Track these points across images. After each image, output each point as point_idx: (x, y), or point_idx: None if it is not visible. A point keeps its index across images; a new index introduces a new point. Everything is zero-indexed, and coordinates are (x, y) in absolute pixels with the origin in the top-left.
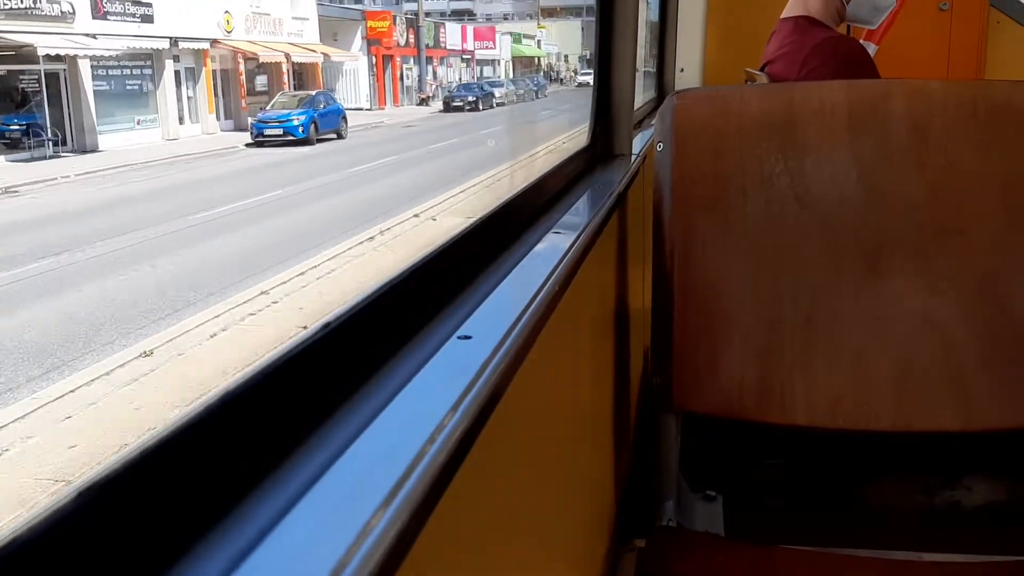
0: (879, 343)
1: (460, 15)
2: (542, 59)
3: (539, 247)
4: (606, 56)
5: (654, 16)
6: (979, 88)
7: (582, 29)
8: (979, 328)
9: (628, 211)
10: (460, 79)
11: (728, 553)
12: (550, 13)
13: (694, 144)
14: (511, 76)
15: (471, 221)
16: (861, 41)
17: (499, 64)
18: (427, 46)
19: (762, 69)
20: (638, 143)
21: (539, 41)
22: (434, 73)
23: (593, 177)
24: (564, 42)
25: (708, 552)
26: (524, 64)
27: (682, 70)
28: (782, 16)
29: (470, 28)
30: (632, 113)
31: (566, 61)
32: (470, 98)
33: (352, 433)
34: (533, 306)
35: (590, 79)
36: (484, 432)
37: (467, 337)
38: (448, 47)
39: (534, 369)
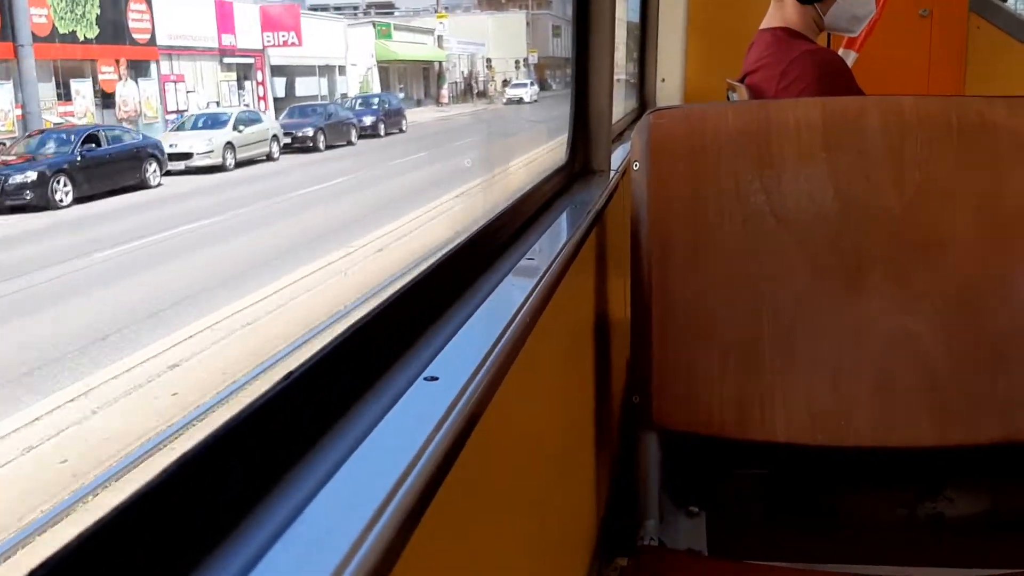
0: (857, 358)
1: (382, 7)
2: (443, 64)
3: (512, 276)
4: (583, 71)
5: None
6: (953, 104)
7: (528, 24)
8: (956, 343)
9: (607, 229)
10: (216, 104)
11: (711, 571)
12: (495, 5)
13: (670, 162)
14: (366, 92)
15: (442, 252)
16: (841, 50)
17: (347, 72)
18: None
19: (741, 80)
20: (618, 157)
21: (439, 38)
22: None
23: (571, 195)
24: (502, 41)
25: (691, 570)
26: (412, 72)
27: (663, 80)
28: (761, 27)
29: (247, 8)
30: (610, 129)
31: (490, 67)
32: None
33: (319, 480)
34: (503, 341)
35: (524, 93)
36: (454, 470)
37: (434, 378)
38: (177, 40)
39: (507, 401)
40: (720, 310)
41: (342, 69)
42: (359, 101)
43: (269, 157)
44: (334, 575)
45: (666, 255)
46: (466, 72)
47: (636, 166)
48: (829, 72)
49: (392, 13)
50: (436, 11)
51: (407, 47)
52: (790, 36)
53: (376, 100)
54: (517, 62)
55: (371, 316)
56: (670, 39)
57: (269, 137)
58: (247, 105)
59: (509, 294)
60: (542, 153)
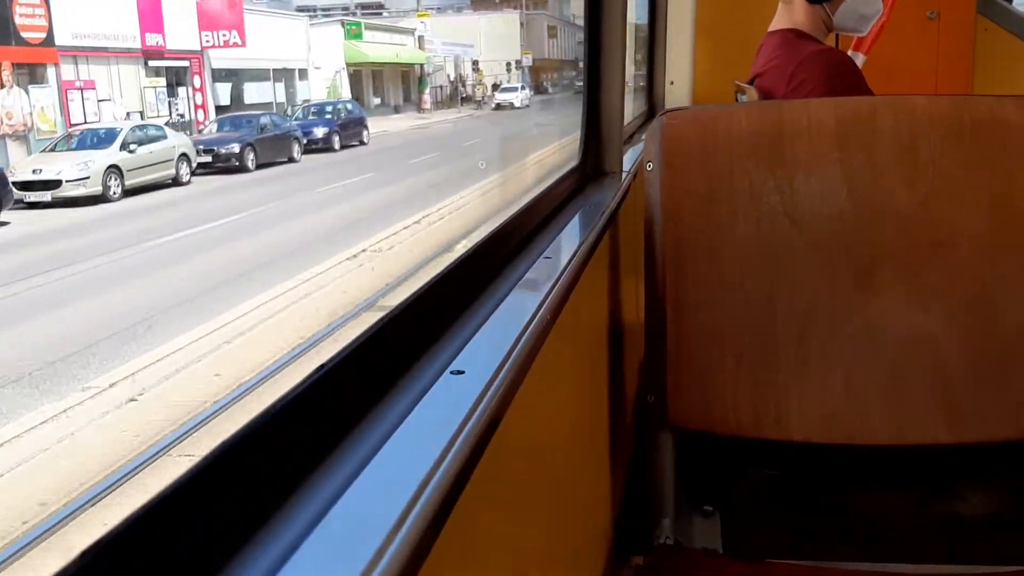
0: (871, 358)
1: (370, 8)
2: (424, 66)
3: (530, 274)
4: (595, 74)
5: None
6: (965, 103)
7: (522, 25)
8: (969, 342)
9: (620, 230)
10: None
11: (726, 569)
12: (488, 5)
13: (683, 163)
14: (335, 98)
15: (462, 252)
16: (849, 52)
17: (309, 76)
18: None
19: (751, 83)
20: (629, 159)
21: (420, 39)
22: None
23: (584, 197)
24: (494, 42)
25: (706, 569)
26: (390, 76)
27: (672, 83)
28: (769, 29)
29: (179, 3)
30: (622, 131)
31: (477, 70)
32: None
33: (351, 472)
34: (525, 336)
35: (515, 98)
36: (481, 464)
37: (460, 372)
38: (86, 40)
39: (528, 398)
40: (734, 310)
41: (303, 73)
42: (311, 109)
43: (176, 181)
44: (369, 566)
45: (679, 255)
46: (453, 76)
47: (649, 167)
48: (839, 73)
49: (381, 14)
50: (419, 10)
51: (382, 48)
52: (799, 37)
53: (330, 108)
54: (509, 64)
55: (397, 312)
56: (678, 42)
57: (176, 157)
58: (181, 115)
59: (529, 291)
60: (523, 171)
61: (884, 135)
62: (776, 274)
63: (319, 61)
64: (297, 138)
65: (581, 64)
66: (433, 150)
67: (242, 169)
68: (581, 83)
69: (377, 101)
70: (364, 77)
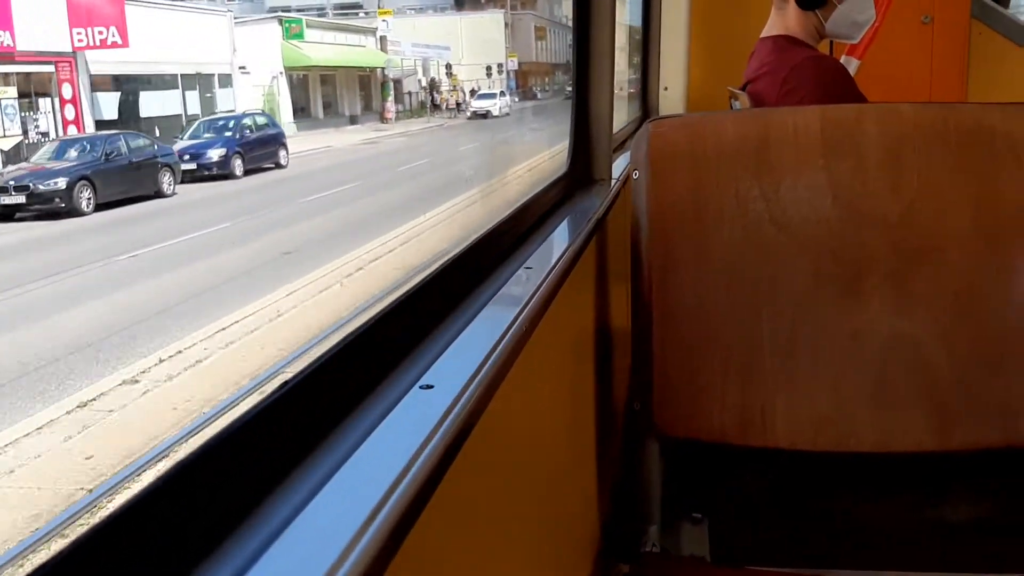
0: (858, 364)
1: (345, 8)
2: (385, 70)
3: (511, 284)
4: (584, 80)
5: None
6: (950, 111)
7: (507, 26)
8: (955, 347)
9: (608, 237)
10: None
11: None
12: (461, 3)
13: (670, 171)
14: (271, 107)
15: (440, 262)
16: (843, 57)
17: (233, 82)
18: None
19: (743, 88)
20: (619, 165)
21: (383, 39)
22: None
23: (572, 204)
24: (476, 44)
25: None
26: (346, 81)
27: (666, 89)
28: (762, 35)
29: None
30: (611, 137)
31: (450, 75)
32: None
33: (314, 485)
34: (500, 347)
35: (492, 105)
36: (447, 478)
37: (429, 386)
38: None
39: (504, 409)
40: (721, 317)
41: (225, 79)
42: (203, 125)
43: None
44: None
45: (666, 263)
46: (425, 81)
47: (636, 174)
48: (831, 79)
49: (358, 14)
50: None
51: (332, 50)
52: (791, 44)
53: (231, 124)
54: (488, 68)
55: (368, 325)
56: (673, 48)
57: None
58: (43, 134)
59: (506, 302)
60: (464, 213)
61: (870, 142)
62: (762, 281)
63: (250, 64)
64: (170, 165)
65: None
66: (356, 179)
67: (72, 212)
68: (571, 88)
69: (334, 110)
70: (312, 83)
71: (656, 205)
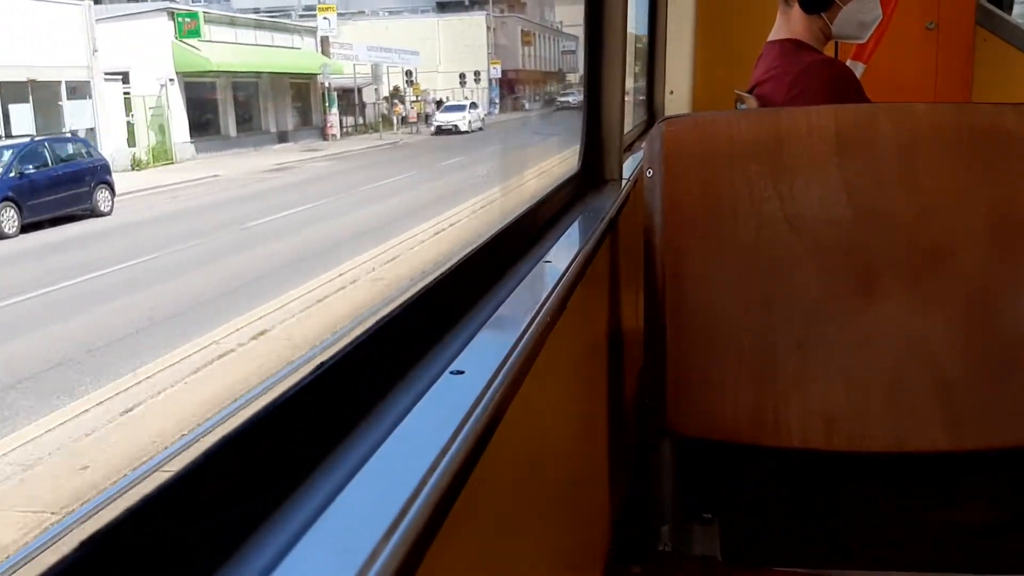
0: (871, 364)
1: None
2: (322, 77)
3: (530, 278)
4: (595, 82)
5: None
6: (964, 111)
7: (490, 29)
8: (968, 348)
9: (620, 236)
10: None
11: None
12: (444, 7)
13: (683, 170)
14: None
15: (462, 254)
16: (849, 61)
17: (93, 92)
18: None
19: (750, 92)
20: (629, 167)
21: (323, 40)
22: None
23: (584, 204)
24: (457, 49)
25: None
26: (275, 90)
27: (672, 92)
28: (768, 39)
29: None
30: (622, 138)
31: (412, 83)
32: None
33: (349, 470)
34: (525, 338)
35: (460, 119)
36: (480, 464)
37: (460, 372)
38: None
39: (528, 400)
40: (733, 316)
41: (81, 87)
42: None
43: None
44: (365, 564)
45: (679, 261)
46: (386, 90)
47: (649, 173)
48: (838, 82)
49: (290, 15)
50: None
51: (247, 52)
52: (798, 48)
53: (4, 156)
54: (462, 76)
55: (398, 311)
56: (679, 52)
57: None
58: None
59: (529, 294)
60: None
61: (884, 142)
62: (776, 280)
63: (136, 69)
64: None
65: (570, 76)
66: (186, 238)
67: None
68: (563, 99)
69: (256, 126)
70: (222, 92)
71: (669, 204)
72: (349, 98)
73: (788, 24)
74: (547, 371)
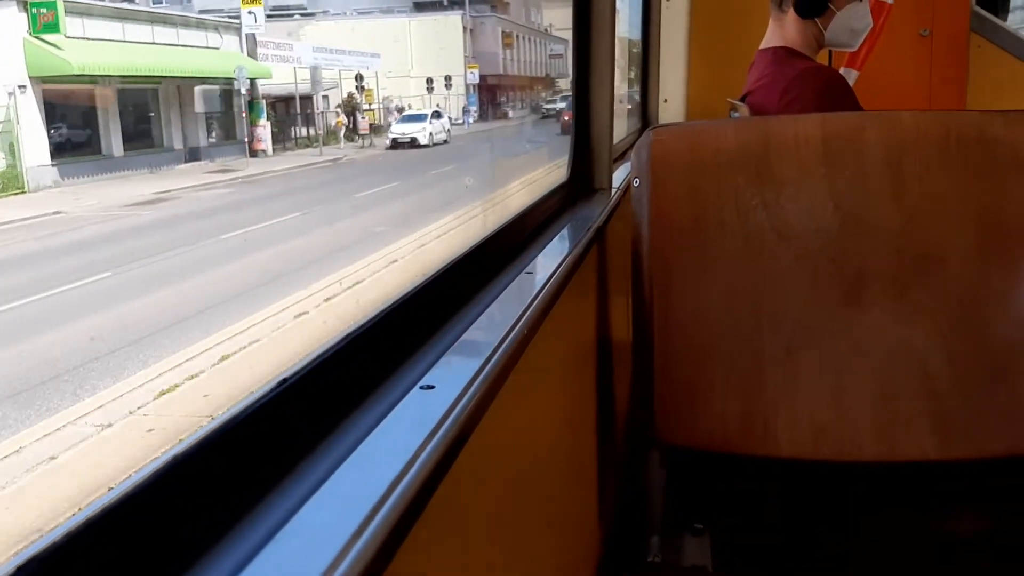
0: (859, 373)
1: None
2: (240, 84)
3: (511, 289)
4: (584, 92)
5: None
6: (951, 119)
7: (467, 30)
8: (957, 356)
9: (608, 246)
10: None
11: None
12: (421, 6)
13: (671, 179)
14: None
15: (441, 265)
16: (842, 68)
17: None
18: None
19: (743, 100)
20: (620, 175)
21: (250, 39)
22: None
23: (572, 213)
24: (430, 52)
25: None
26: (180, 98)
27: (665, 100)
28: (761, 47)
29: None
30: (611, 147)
31: (361, 89)
32: None
33: (312, 485)
34: (500, 350)
35: (420, 131)
36: (447, 478)
37: (430, 387)
38: None
39: (503, 411)
40: (721, 325)
41: None
42: None
43: None
44: None
45: (667, 271)
46: (341, 97)
47: (637, 182)
48: (830, 90)
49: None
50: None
51: (135, 52)
52: (790, 55)
53: None
54: (429, 81)
55: (369, 325)
56: (672, 60)
57: None
58: None
59: (508, 306)
60: None
61: (871, 150)
62: (764, 289)
63: None
64: None
65: (560, 82)
66: None
67: None
68: (550, 105)
69: (156, 141)
70: (102, 101)
71: (657, 213)
72: (289, 106)
73: (781, 31)
74: (527, 382)
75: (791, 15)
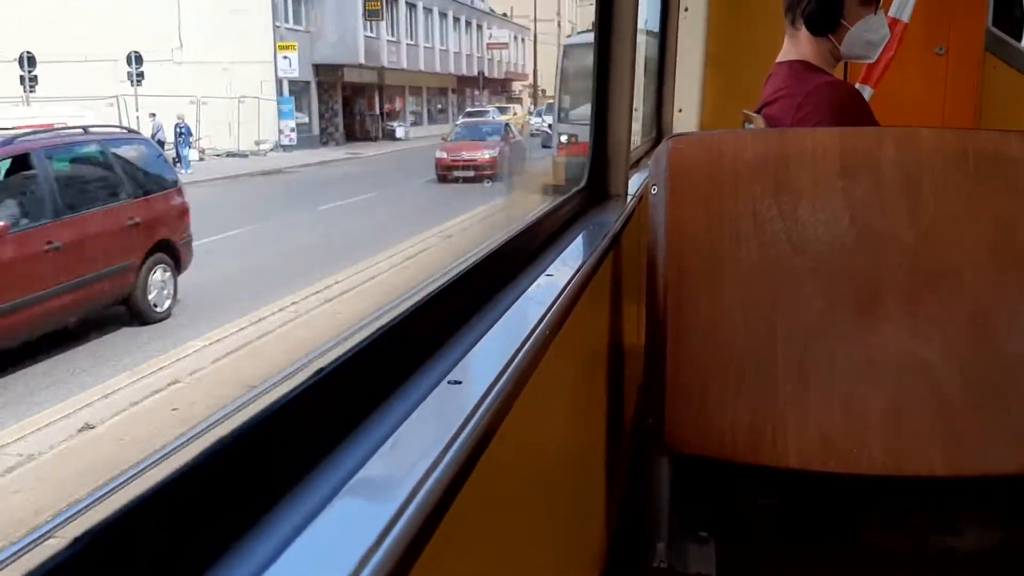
0: (870, 386)
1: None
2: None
3: (532, 290)
4: (603, 99)
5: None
6: (969, 137)
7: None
8: (968, 372)
9: (623, 252)
10: None
11: None
12: None
13: (688, 187)
14: None
15: (464, 265)
16: (857, 84)
17: None
18: None
19: (758, 111)
20: (635, 183)
21: None
22: None
23: (588, 219)
24: (211, 21)
25: None
26: None
27: (680, 111)
28: (778, 60)
29: None
30: (628, 155)
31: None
32: None
33: (343, 476)
34: (524, 350)
35: None
36: (473, 474)
37: (457, 382)
38: None
39: (524, 411)
40: (734, 335)
41: None
42: None
43: None
44: (355, 570)
45: (681, 278)
46: None
47: (654, 190)
48: (846, 104)
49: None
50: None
51: None
52: (807, 69)
53: None
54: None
55: (398, 320)
56: (688, 71)
57: None
58: None
59: (530, 306)
60: None
61: (888, 165)
62: (777, 300)
63: None
64: None
65: (515, 85)
66: None
67: None
68: (468, 119)
69: None
70: None
71: (673, 221)
72: None
73: (797, 46)
74: (545, 382)
75: (804, 32)
